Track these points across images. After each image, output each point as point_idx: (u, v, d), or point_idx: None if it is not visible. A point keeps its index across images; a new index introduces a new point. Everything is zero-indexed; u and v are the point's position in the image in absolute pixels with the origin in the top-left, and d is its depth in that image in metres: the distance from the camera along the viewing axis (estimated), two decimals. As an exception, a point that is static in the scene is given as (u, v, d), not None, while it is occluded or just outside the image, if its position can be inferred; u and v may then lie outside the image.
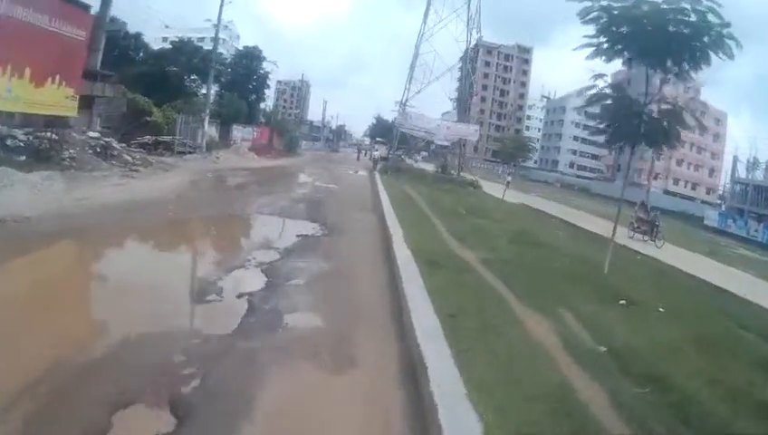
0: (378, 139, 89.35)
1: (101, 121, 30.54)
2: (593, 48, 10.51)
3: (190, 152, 32.77)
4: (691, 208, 61.73)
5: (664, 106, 11.97)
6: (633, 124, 11.18)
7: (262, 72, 53.15)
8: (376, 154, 58.41)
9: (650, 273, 14.25)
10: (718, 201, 76.52)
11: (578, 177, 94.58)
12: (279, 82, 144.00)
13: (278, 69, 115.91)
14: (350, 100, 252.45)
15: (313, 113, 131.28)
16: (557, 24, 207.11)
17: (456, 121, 45.41)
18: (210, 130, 39.35)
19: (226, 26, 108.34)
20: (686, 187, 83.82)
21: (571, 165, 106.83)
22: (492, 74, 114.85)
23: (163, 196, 16.12)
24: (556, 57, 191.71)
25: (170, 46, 45.84)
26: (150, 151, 29.80)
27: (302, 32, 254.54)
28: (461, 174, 43.77)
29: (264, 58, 52.63)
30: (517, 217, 22.70)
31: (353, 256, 11.31)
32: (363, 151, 78.72)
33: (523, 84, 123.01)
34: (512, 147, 54.00)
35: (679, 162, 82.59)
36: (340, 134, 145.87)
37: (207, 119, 34.19)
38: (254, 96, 52.18)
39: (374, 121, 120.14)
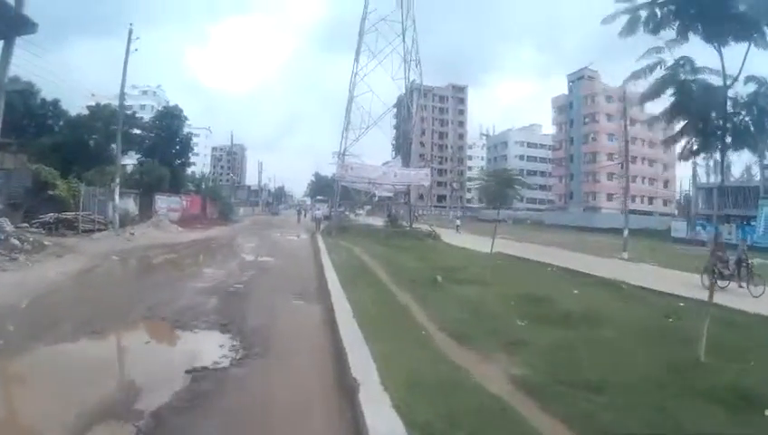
0: (318, 197, 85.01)
1: (2, 198, 26.62)
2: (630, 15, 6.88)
3: (100, 229, 27.91)
4: (652, 223, 61.37)
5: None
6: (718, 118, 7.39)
7: (185, 133, 48.09)
8: (318, 214, 53.93)
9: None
10: (675, 211, 75.96)
11: (528, 210, 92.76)
12: (214, 148, 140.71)
13: (211, 135, 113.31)
14: (288, 161, 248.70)
15: (252, 177, 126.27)
16: (486, 65, 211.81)
17: (403, 167, 41.82)
18: (127, 203, 34.42)
19: (154, 92, 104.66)
20: (642, 202, 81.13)
21: (521, 199, 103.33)
22: (429, 117, 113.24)
23: (15, 301, 11.44)
24: (489, 96, 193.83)
25: (87, 112, 41.17)
26: (51, 231, 25.24)
27: (236, 98, 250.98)
28: (413, 225, 40.25)
29: (186, 118, 47.65)
30: (506, 274, 18.06)
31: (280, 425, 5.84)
32: (303, 212, 74.15)
33: (461, 124, 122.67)
34: (496, 185, 41.67)
35: (633, 178, 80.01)
36: (279, 196, 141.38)
37: (118, 190, 29.18)
38: (178, 161, 47.03)
39: (313, 179, 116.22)
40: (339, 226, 37.22)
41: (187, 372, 7.24)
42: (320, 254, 22.79)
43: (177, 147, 46.90)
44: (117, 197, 29.40)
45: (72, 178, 30.60)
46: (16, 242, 19.92)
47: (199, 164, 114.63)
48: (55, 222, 26.39)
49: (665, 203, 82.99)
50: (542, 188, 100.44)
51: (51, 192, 28.64)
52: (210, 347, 8.67)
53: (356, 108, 41.09)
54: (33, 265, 17.13)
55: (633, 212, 68.92)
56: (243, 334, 9.42)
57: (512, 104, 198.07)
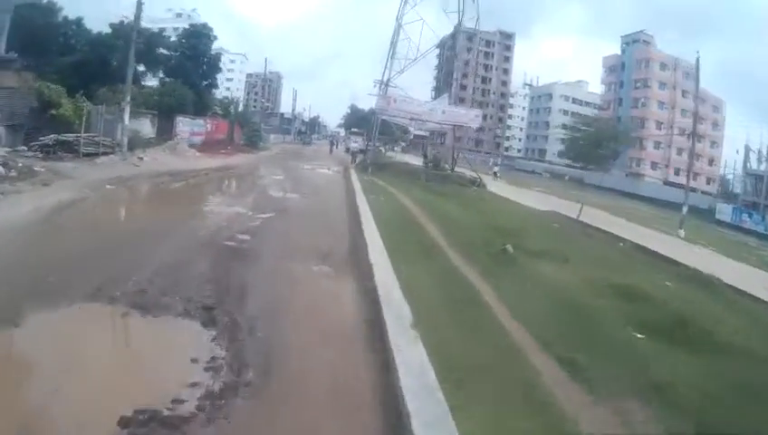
0: (353, 129, 79.70)
1: (1, 118, 23.81)
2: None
3: (106, 153, 24.46)
4: (694, 200, 54.64)
5: None
6: None
7: (213, 53, 43.70)
8: (354, 146, 49.90)
9: None
10: (716, 191, 71.33)
11: (567, 166, 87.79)
12: (249, 75, 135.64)
13: (247, 61, 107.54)
14: (324, 91, 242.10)
15: (287, 106, 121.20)
16: (531, 17, 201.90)
17: (452, 104, 37.29)
18: (141, 124, 30.78)
19: (189, 15, 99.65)
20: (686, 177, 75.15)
21: (561, 154, 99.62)
22: (473, 60, 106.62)
23: None
24: (532, 49, 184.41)
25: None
26: (49, 155, 21.94)
27: (274, 28, 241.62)
28: (454, 169, 36.06)
29: (215, 37, 43.10)
30: (577, 245, 14.42)
31: None
32: (336, 143, 69.93)
33: (506, 71, 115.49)
34: (594, 138, 30.45)
35: (679, 151, 75.33)
36: (313, 126, 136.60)
37: (128, 109, 25.51)
38: (204, 82, 43.01)
39: (348, 111, 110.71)
40: (375, 162, 33.15)
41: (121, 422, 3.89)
42: (354, 195, 19.00)
43: (204, 67, 42.52)
44: (126, 117, 25.67)
45: (80, 96, 27.02)
46: (0, 169, 16.74)
47: (233, 90, 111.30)
48: (54, 144, 23.02)
49: (708, 182, 77.46)
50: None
51: (53, 111, 25.29)
52: (176, 362, 5.25)
53: (403, 37, 36.35)
54: (7, 197, 13.68)
55: (673, 185, 66.11)
56: (232, 336, 5.81)
57: (554, 60, 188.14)
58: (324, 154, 53.56)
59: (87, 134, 23.93)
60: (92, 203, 14.72)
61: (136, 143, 27.24)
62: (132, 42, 27.05)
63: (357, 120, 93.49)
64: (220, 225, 12.30)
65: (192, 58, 40.59)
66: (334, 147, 63.52)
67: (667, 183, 70.71)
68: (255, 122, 56.80)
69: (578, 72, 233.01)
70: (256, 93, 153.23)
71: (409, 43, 38.85)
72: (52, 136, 23.31)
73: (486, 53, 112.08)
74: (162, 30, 41.00)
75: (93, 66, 32.74)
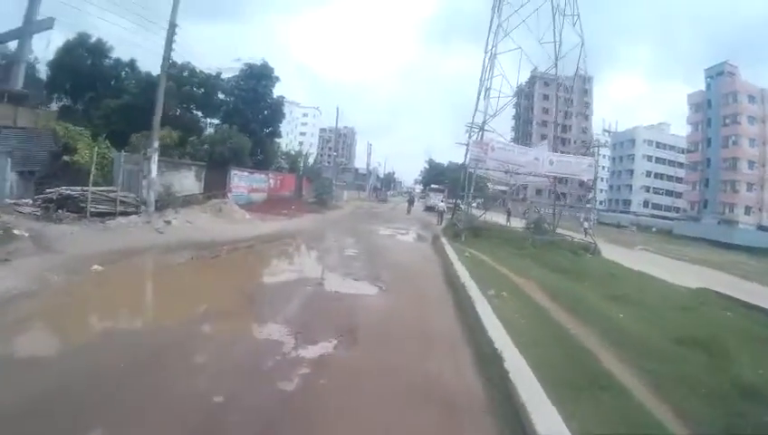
0: (433, 185, 71.99)
1: (14, 163, 19.46)
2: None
3: (126, 213, 18.66)
4: None
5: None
6: None
7: (276, 97, 38.00)
8: (440, 205, 42.79)
9: None
10: None
11: (653, 216, 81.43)
12: (322, 129, 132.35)
13: (320, 115, 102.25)
14: (398, 148, 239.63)
15: (361, 162, 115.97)
16: (601, 61, 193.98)
17: (563, 152, 30.17)
18: (184, 178, 25.32)
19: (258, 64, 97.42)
20: None
21: (645, 204, 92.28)
22: (553, 106, 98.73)
23: None
24: (605, 93, 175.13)
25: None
26: (48, 212, 17.28)
27: (348, 82, 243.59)
28: (556, 230, 28.96)
29: (277, 78, 37.77)
30: None
31: None
32: (413, 201, 59.59)
33: (586, 117, 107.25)
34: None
35: None
36: (389, 182, 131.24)
37: (156, 158, 19.69)
38: (266, 130, 37.43)
39: (426, 166, 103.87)
40: (469, 225, 25.77)
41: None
42: (463, 288, 11.63)
43: (265, 113, 37.08)
44: (153, 167, 19.81)
45: (102, 139, 21.69)
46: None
47: (306, 145, 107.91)
48: (59, 199, 17.37)
49: None
50: (669, 193, 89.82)
51: (66, 158, 19.98)
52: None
53: (497, 73, 29.19)
54: None
55: (766, 230, 61.09)
56: None
57: (628, 104, 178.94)
58: (402, 214, 46.56)
59: (99, 188, 18.21)
60: (30, 308, 8.22)
61: (170, 201, 21.42)
62: (163, 77, 21.28)
63: (435, 176, 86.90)
64: (226, 387, 5.35)
65: (250, 102, 35.21)
66: (412, 205, 54.92)
67: (760, 228, 63.37)
68: (326, 178, 50.71)
69: (654, 116, 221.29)
70: (330, 148, 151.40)
71: (502, 80, 32.02)
72: (58, 189, 17.89)
73: (564, 99, 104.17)
74: (219, 73, 35.88)
75: (140, 110, 27.91)
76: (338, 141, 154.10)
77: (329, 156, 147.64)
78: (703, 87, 77.39)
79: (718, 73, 74.32)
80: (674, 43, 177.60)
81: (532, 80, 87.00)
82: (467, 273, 13.46)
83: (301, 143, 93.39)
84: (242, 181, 32.05)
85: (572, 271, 16.98)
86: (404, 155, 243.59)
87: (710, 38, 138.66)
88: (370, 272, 14.04)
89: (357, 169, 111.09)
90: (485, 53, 29.85)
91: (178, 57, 26.02)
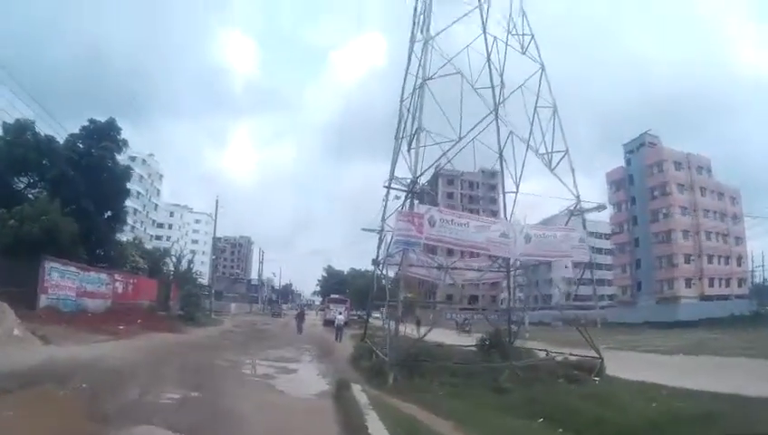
0: (333, 295, 59.30)
1: None
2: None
3: None
4: (733, 308, 50.47)
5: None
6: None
7: (122, 166, 28.53)
8: (339, 319, 33.27)
9: None
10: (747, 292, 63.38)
11: (579, 308, 73.45)
12: (219, 239, 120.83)
13: (211, 221, 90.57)
14: (297, 261, 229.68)
15: (257, 273, 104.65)
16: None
17: (540, 225, 21.34)
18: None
19: (144, 160, 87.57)
20: (720, 285, 66.02)
21: (567, 296, 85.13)
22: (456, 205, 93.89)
23: None
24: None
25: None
26: None
27: (245, 196, 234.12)
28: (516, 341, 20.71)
29: (124, 142, 28.25)
30: None
31: None
32: (303, 317, 39.37)
33: (494, 213, 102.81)
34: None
35: (710, 258, 65.85)
36: (285, 294, 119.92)
37: None
38: (104, 213, 27.64)
39: (324, 275, 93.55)
40: (402, 357, 16.17)
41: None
42: None
43: (104, 186, 27.02)
44: None
45: None
46: None
47: (199, 253, 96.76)
48: None
49: (739, 284, 67.86)
50: (591, 282, 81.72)
51: None
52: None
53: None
54: None
55: (710, 299, 60.54)
56: None
57: (532, 199, 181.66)
58: (294, 332, 35.97)
59: None
60: None
61: None
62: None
63: (334, 285, 77.40)
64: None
65: (83, 170, 25.56)
66: (302, 322, 37.88)
67: (703, 298, 61.74)
68: (195, 285, 39.78)
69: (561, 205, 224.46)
70: (224, 259, 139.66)
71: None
72: None
73: (470, 197, 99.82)
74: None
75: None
76: (231, 251, 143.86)
77: (224, 266, 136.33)
78: (622, 163, 74.50)
79: (639, 146, 70.46)
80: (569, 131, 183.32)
81: (435, 178, 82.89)
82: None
83: (193, 252, 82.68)
84: (66, 280, 21.96)
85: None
86: (303, 268, 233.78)
87: (599, 123, 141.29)
88: None
89: (250, 281, 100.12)
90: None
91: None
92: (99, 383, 11.15)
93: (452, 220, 16.67)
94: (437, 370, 15.70)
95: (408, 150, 18.61)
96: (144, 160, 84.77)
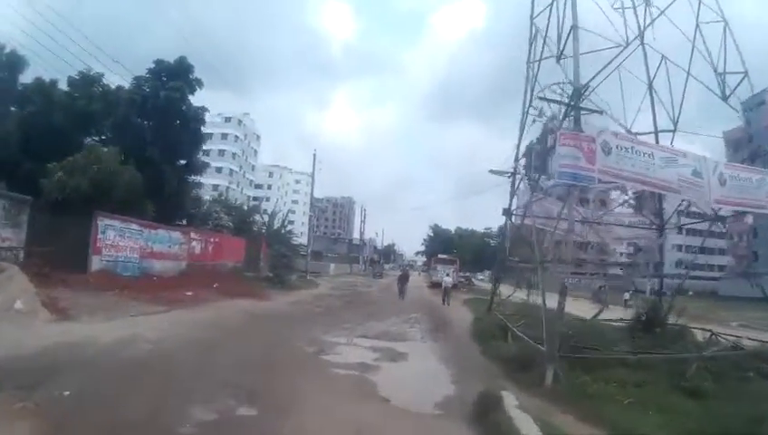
0: (440, 255, 53.55)
1: None
2: None
3: None
4: None
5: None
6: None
7: (196, 108, 23.95)
8: (447, 281, 28.67)
9: None
10: None
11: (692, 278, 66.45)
12: (320, 199, 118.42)
13: (314, 182, 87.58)
14: (399, 221, 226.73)
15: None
16: None
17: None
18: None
19: (240, 120, 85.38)
20: None
21: (678, 264, 76.23)
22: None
23: None
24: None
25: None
26: None
27: (350, 156, 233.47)
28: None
29: (198, 82, 23.74)
30: None
31: None
32: (406, 279, 33.58)
33: None
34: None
35: None
36: (388, 254, 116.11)
37: None
38: (176, 162, 23.62)
39: (430, 234, 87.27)
40: (565, 338, 10.81)
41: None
42: None
43: (176, 131, 23.23)
44: None
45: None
46: None
47: (299, 214, 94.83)
48: None
49: None
50: (702, 251, 74.17)
51: None
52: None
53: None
54: None
55: None
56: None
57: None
58: (395, 297, 29.80)
59: None
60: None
61: None
62: None
63: (441, 244, 71.56)
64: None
65: (149, 113, 21.68)
66: (406, 284, 31.93)
67: None
68: (293, 245, 35.23)
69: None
70: (326, 219, 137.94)
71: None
72: None
73: None
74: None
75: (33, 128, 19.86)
76: (332, 211, 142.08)
77: (324, 226, 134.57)
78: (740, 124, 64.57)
79: (759, 104, 61.67)
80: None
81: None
82: None
83: (293, 211, 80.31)
84: (126, 239, 18.29)
85: None
86: (405, 228, 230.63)
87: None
88: None
89: (351, 241, 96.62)
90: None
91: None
92: (91, 389, 6.79)
93: (631, 148, 10.85)
94: (604, 362, 10.36)
95: (558, 60, 13.02)
96: (240, 121, 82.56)
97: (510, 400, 7.05)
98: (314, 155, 46.79)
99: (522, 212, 16.82)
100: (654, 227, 16.85)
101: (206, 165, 26.87)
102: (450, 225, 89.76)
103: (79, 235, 16.41)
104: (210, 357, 9.44)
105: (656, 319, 14.15)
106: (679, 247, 62.74)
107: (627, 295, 31.38)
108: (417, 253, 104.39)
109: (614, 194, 16.42)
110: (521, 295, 19.54)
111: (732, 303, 44.05)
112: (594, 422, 7.13)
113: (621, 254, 29.19)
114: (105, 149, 18.54)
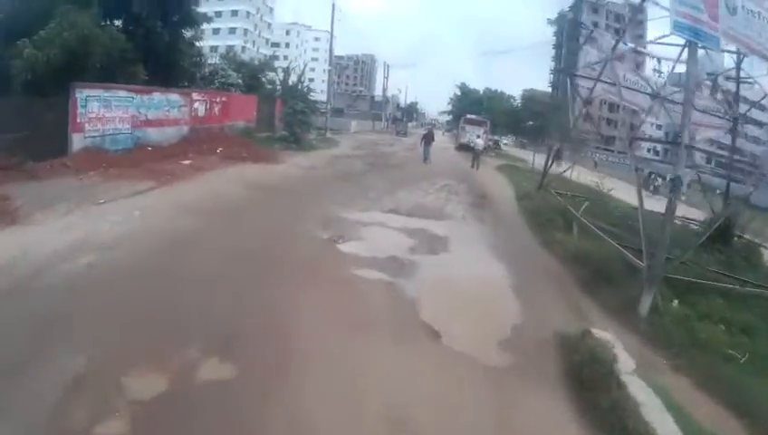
0: (469, 115, 47.14)
1: None
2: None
3: None
4: None
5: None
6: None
7: None
8: (478, 143, 26.67)
9: None
10: None
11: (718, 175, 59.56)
12: (341, 57, 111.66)
13: (334, 39, 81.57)
14: (423, 80, 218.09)
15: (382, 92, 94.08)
16: None
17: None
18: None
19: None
20: None
21: (708, 160, 70.23)
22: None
23: None
24: None
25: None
26: None
27: (372, 14, 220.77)
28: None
29: None
30: None
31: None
32: (431, 139, 29.12)
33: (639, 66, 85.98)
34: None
35: None
36: (410, 112, 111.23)
37: None
38: (169, 17, 18.90)
39: (457, 93, 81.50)
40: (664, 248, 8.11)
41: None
42: None
43: None
44: None
45: None
46: None
47: (318, 72, 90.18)
48: None
49: None
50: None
51: None
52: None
53: None
54: None
55: None
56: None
57: None
58: (419, 161, 26.34)
59: None
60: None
61: None
62: None
63: (469, 105, 66.50)
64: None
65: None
66: (431, 144, 28.53)
67: None
68: (310, 102, 31.47)
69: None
70: (347, 77, 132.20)
71: None
72: None
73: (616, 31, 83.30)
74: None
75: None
76: (354, 68, 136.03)
77: (345, 84, 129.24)
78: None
79: None
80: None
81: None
82: None
83: (313, 69, 75.78)
84: (113, 109, 15.66)
85: None
86: (429, 87, 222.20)
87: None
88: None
89: (373, 97, 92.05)
90: None
91: None
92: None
93: (758, 13, 7.70)
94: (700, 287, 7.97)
95: None
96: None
97: (626, 362, 4.67)
98: (333, 4, 41.98)
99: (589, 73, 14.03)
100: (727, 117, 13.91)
101: (205, 16, 23.23)
102: (477, 86, 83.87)
103: (57, 114, 13.81)
104: (175, 269, 6.69)
105: (730, 229, 11.47)
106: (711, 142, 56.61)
107: (659, 181, 28.54)
108: (442, 112, 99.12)
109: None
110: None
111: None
112: (719, 396, 5.10)
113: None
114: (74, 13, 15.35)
